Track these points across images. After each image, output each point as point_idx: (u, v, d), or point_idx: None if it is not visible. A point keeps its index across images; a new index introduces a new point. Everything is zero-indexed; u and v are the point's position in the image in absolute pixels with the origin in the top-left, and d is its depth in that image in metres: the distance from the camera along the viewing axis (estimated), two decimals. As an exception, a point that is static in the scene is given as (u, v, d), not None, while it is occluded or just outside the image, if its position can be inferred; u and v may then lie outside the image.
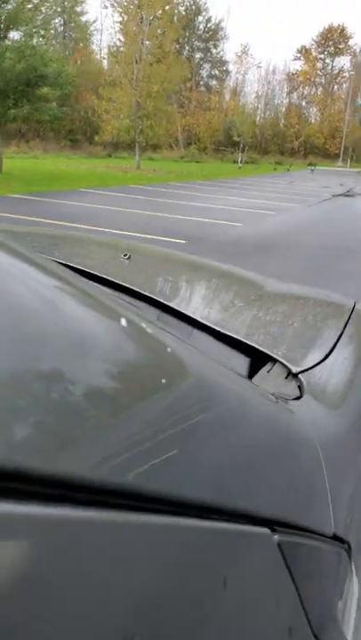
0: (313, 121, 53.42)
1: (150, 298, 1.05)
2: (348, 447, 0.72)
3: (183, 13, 47.30)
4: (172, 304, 1.05)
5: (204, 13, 49.48)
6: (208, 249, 6.54)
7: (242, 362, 0.90)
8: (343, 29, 53.78)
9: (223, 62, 52.35)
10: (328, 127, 50.45)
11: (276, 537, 0.41)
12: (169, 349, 0.43)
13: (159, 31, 23.37)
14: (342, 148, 48.33)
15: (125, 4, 22.73)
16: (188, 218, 9.41)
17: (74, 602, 0.22)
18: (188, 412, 0.36)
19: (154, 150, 34.99)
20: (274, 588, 0.42)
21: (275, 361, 0.86)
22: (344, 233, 8.76)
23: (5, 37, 14.87)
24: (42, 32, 16.01)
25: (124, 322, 0.41)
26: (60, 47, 40.25)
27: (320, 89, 55.66)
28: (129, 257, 1.32)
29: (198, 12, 48.63)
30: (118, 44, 23.26)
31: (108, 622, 0.24)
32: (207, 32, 50.40)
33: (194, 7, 48.15)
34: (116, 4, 23.55)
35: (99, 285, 0.58)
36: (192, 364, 0.45)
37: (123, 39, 22.30)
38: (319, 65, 55.83)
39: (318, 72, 55.61)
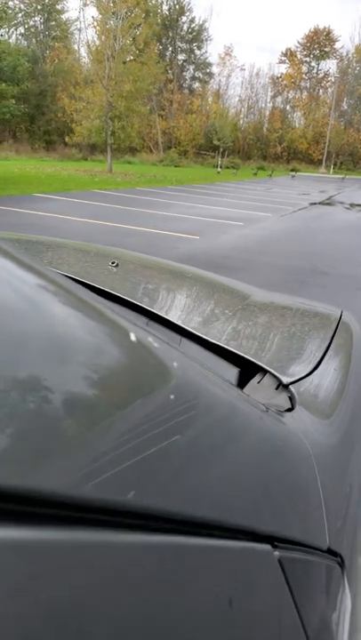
0: (297, 125, 52.61)
1: (139, 306, 1.04)
2: (340, 459, 0.72)
3: (167, 13, 46.41)
4: (160, 313, 1.04)
5: (187, 14, 48.56)
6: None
7: (231, 372, 0.89)
8: (329, 32, 53.14)
9: (207, 64, 51.39)
10: (312, 132, 49.69)
11: (276, 553, 0.40)
12: (163, 360, 0.42)
13: (133, 27, 22.25)
14: (325, 154, 47.66)
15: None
16: (141, 229, 8.32)
17: (74, 625, 0.21)
18: (184, 425, 0.35)
19: (133, 154, 33.94)
20: (276, 605, 0.41)
21: (265, 372, 0.86)
22: (315, 252, 7.69)
23: None
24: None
25: (114, 330, 0.39)
26: (38, 45, 39.07)
27: (305, 93, 54.96)
28: (117, 265, 1.35)
29: (182, 12, 47.64)
30: (93, 39, 22.02)
31: None
32: (190, 33, 49.44)
33: (177, 7, 47.17)
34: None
35: (83, 288, 0.49)
36: (187, 375, 0.43)
37: (96, 34, 21.09)
38: (304, 68, 55.07)
39: (303, 76, 54.84)
